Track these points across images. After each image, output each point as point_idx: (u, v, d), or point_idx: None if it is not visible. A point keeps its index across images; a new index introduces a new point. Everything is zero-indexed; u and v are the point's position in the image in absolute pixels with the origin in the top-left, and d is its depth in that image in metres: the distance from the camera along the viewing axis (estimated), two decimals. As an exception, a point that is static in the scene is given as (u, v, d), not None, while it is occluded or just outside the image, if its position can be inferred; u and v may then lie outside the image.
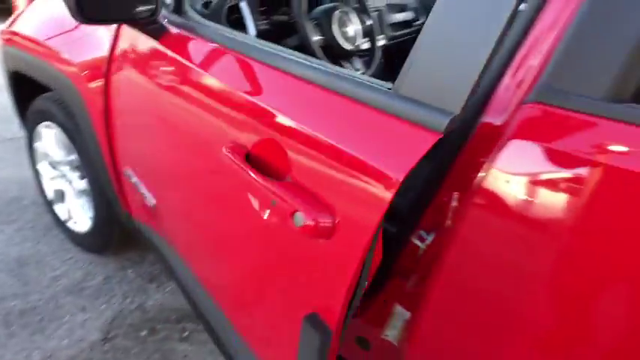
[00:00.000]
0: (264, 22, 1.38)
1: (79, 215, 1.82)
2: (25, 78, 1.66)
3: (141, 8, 0.94)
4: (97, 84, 1.28)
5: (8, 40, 1.71)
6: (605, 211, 0.52)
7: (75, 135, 1.56)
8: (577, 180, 0.53)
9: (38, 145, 1.86)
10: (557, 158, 0.57)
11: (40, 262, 1.85)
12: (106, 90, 1.27)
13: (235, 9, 1.28)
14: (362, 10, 1.48)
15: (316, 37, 1.30)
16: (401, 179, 0.55)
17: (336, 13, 1.34)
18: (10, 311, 1.61)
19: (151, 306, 1.70)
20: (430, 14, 0.58)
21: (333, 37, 1.32)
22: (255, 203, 0.74)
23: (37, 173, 1.96)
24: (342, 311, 0.64)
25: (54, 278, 1.77)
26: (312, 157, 0.66)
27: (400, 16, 1.97)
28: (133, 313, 1.66)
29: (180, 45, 1.01)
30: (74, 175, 1.76)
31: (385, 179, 0.57)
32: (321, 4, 1.48)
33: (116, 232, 1.73)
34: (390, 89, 0.62)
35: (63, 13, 1.09)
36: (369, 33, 1.49)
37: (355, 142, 0.62)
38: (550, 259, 0.56)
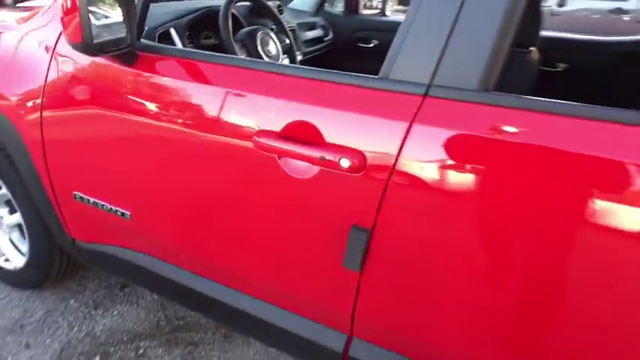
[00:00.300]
0: (192, 45, 1.50)
1: (11, 252, 1.77)
2: None
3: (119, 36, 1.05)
4: (34, 116, 1.31)
5: None
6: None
7: (4, 170, 1.55)
8: (472, 157, 0.80)
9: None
10: (456, 140, 0.82)
11: (-32, 307, 1.76)
12: (42, 121, 1.31)
13: (166, 35, 1.39)
14: (280, 31, 1.67)
15: (243, 57, 1.45)
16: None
17: (259, 34, 1.51)
18: (-55, 360, 1.53)
19: (100, 331, 1.70)
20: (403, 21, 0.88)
21: (259, 56, 1.48)
22: (300, 167, 0.96)
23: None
24: (376, 216, 0.90)
25: (-12, 320, 1.70)
26: (334, 126, 0.94)
27: (311, 34, 2.19)
28: (83, 341, 1.66)
29: (152, 65, 1.13)
30: (3, 211, 1.71)
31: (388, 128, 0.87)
32: (241, 28, 1.64)
33: (56, 263, 1.71)
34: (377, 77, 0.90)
35: None
36: (288, 50, 1.67)
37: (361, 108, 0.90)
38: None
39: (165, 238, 1.28)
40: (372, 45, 2.34)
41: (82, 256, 1.53)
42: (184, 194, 1.16)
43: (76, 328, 1.71)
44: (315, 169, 0.94)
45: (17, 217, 1.67)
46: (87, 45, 1.00)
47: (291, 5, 2.32)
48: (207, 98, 1.08)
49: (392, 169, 0.88)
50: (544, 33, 2.02)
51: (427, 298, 0.96)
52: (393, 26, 2.36)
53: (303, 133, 0.95)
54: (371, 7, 2.53)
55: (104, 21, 0.99)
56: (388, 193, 0.89)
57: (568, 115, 0.78)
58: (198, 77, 1.12)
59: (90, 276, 1.96)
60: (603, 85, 1.91)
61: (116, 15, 1.01)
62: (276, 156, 0.98)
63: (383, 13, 2.59)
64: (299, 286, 1.10)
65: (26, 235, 1.67)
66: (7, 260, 1.80)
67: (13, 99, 1.35)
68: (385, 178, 0.88)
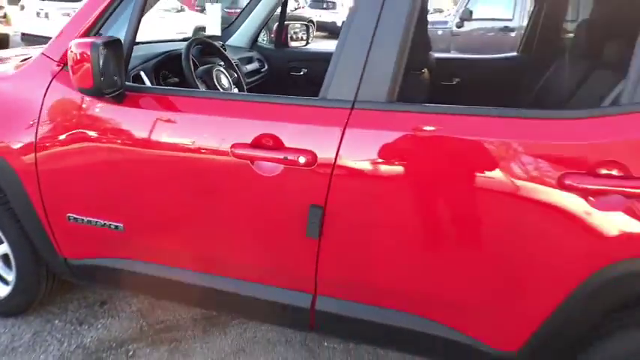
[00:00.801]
0: (159, 84, 1.81)
1: (-6, 282, 1.91)
2: None
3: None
4: (29, 155, 1.54)
5: None
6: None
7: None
8: (385, 148, 1.18)
9: None
10: (374, 137, 1.21)
11: (-45, 340, 1.86)
12: (37, 158, 1.54)
13: (137, 76, 1.68)
14: (229, 66, 2.02)
15: (209, 90, 1.78)
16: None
17: (214, 71, 1.85)
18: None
19: (89, 342, 1.89)
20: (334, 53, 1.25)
21: (216, 89, 1.81)
22: (269, 167, 1.31)
23: None
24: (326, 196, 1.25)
25: (-21, 347, 1.83)
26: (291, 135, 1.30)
27: (250, 67, 2.56)
28: (75, 353, 1.84)
29: (137, 102, 1.43)
30: (-14, 245, 1.86)
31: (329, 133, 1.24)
32: (195, 66, 1.97)
33: (42, 287, 1.88)
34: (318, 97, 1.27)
35: None
36: (237, 82, 2.02)
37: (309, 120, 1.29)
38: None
39: (157, 242, 1.56)
40: (302, 73, 2.75)
41: (73, 273, 1.74)
42: (174, 202, 1.46)
43: (65, 344, 1.88)
44: (280, 167, 1.29)
45: (3, 248, 1.83)
46: (98, 89, 1.28)
47: (229, 42, 2.67)
48: (186, 124, 1.40)
49: (334, 162, 1.25)
50: (442, 55, 2.54)
51: (369, 255, 1.34)
52: (319, 56, 2.81)
53: (267, 142, 1.30)
54: (297, 39, 2.95)
55: (104, 69, 1.28)
56: (333, 179, 1.26)
57: (447, 114, 1.21)
58: (177, 108, 1.43)
59: (68, 298, 2.12)
60: (486, 91, 2.45)
61: (112, 63, 1.31)
62: (249, 161, 1.32)
63: (307, 43, 3.03)
64: (273, 260, 1.44)
65: (13, 264, 1.83)
66: (-10, 291, 1.93)
67: (9, 143, 1.56)
68: (330, 169, 1.26)
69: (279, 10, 2.74)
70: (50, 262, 1.75)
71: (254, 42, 2.77)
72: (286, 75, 2.74)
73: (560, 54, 2.10)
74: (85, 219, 1.58)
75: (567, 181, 1.11)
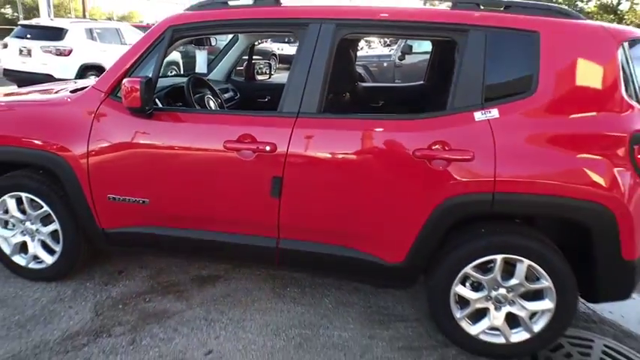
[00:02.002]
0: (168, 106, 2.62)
1: (43, 254, 2.60)
2: None
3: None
4: (84, 158, 2.29)
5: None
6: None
7: (48, 194, 2.45)
8: (308, 139, 2.06)
9: (-5, 215, 2.58)
10: (304, 133, 2.07)
11: (14, 298, 2.53)
12: (88, 157, 2.30)
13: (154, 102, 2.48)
14: (214, 95, 2.85)
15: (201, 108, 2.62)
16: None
17: (206, 98, 2.68)
18: (19, 321, 2.33)
19: (115, 294, 2.60)
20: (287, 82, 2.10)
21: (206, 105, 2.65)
22: (247, 154, 2.12)
23: (-10, 238, 2.63)
24: (283, 170, 2.06)
25: (35, 300, 2.51)
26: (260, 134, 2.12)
27: (227, 95, 3.40)
28: (106, 301, 2.54)
29: (160, 117, 2.23)
30: (39, 226, 2.56)
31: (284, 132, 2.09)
32: (193, 95, 2.78)
33: (80, 255, 2.59)
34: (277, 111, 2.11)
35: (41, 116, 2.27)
36: (220, 106, 2.85)
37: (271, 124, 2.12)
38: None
39: (171, 211, 2.32)
40: (266, 99, 3.60)
41: (108, 239, 2.47)
42: (184, 181, 2.23)
43: (98, 296, 2.58)
44: (255, 154, 2.11)
45: (52, 227, 2.53)
46: (142, 109, 2.08)
47: (210, 77, 3.50)
48: (192, 130, 2.21)
49: (287, 149, 2.09)
50: (367, 84, 3.47)
51: (310, 207, 2.16)
52: (279, 87, 3.68)
53: (246, 139, 2.12)
54: (262, 74, 3.81)
55: (145, 96, 2.09)
56: (287, 160, 2.09)
57: (348, 118, 2.08)
58: (186, 120, 2.24)
59: (93, 269, 2.81)
60: (401, 108, 3.37)
61: (148, 93, 2.11)
62: (235, 152, 2.13)
63: (270, 77, 3.91)
64: (250, 215, 2.23)
65: (60, 237, 2.53)
66: (39, 262, 2.62)
67: (69, 147, 2.32)
68: (285, 154, 2.09)
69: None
70: (91, 232, 2.47)
71: (229, 77, 3.62)
72: (254, 101, 3.59)
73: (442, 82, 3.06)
74: (121, 197, 2.34)
75: (416, 152, 1.98)
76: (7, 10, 34.95)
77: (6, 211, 2.58)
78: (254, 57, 3.69)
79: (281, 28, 2.27)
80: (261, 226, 2.25)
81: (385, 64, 8.67)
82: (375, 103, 3.54)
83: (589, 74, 1.99)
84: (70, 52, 8.15)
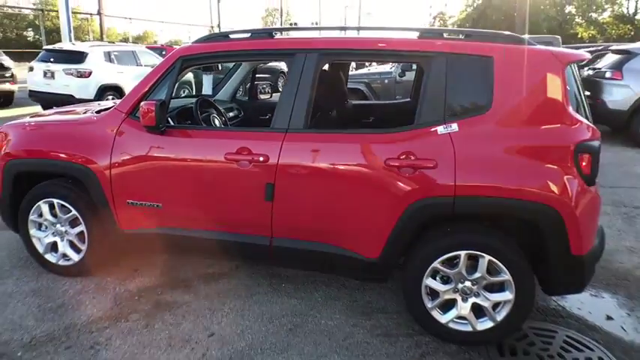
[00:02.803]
0: (179, 124, 3.01)
1: (71, 252, 2.99)
2: (22, 177, 2.90)
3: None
4: (107, 169, 2.69)
5: (10, 155, 2.92)
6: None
7: (76, 200, 2.85)
8: (298, 153, 2.42)
9: (32, 218, 2.99)
10: (294, 146, 2.43)
11: (47, 289, 2.92)
12: (111, 168, 2.70)
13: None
14: (220, 114, 3.24)
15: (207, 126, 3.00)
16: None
17: (211, 117, 3.07)
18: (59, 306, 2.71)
19: (132, 288, 2.96)
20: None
21: (212, 123, 3.03)
22: (244, 164, 2.49)
23: (27, 238, 3.04)
24: (275, 178, 2.42)
25: (64, 291, 2.89)
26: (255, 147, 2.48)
27: (231, 114, 3.79)
28: (124, 293, 2.90)
29: (172, 134, 2.61)
30: (67, 227, 2.96)
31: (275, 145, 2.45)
32: (200, 114, 3.17)
33: (105, 252, 2.97)
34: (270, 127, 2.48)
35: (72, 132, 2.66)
36: (224, 123, 3.24)
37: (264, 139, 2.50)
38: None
39: (181, 214, 2.69)
40: (267, 117, 3.97)
41: (126, 239, 2.85)
42: (191, 188, 2.60)
43: (117, 289, 2.95)
44: (250, 164, 2.46)
45: (79, 229, 2.93)
46: (157, 127, 2.47)
47: (216, 97, 3.90)
48: (198, 144, 2.58)
49: (278, 160, 2.44)
50: (358, 102, 3.82)
51: (299, 209, 2.50)
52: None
53: (243, 151, 2.48)
54: (265, 93, 4.20)
55: (159, 116, 2.48)
56: (278, 169, 2.44)
57: (331, 133, 2.42)
58: (193, 136, 2.62)
59: (111, 269, 3.17)
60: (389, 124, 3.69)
61: (161, 113, 2.50)
62: (235, 162, 2.49)
63: (271, 96, 4.31)
64: (247, 217, 2.57)
65: (86, 238, 2.92)
66: (67, 259, 3.01)
67: (95, 159, 2.72)
68: (276, 163, 2.44)
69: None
70: (113, 233, 2.85)
71: (233, 96, 4.02)
72: (257, 119, 3.97)
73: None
74: (139, 202, 2.72)
75: (388, 162, 2.31)
76: (30, 33, 36.74)
77: (40, 215, 2.99)
78: (263, 75, 4.08)
79: (274, 57, 2.65)
80: (258, 226, 2.59)
81: (386, 81, 9.05)
82: (365, 119, 3.88)
83: (538, 92, 2.29)
84: (89, 73, 8.79)
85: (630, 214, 4.47)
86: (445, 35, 2.44)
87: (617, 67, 7.45)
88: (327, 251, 2.53)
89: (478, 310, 2.42)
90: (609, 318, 2.80)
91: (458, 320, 2.46)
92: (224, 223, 2.65)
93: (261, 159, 2.45)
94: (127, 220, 2.80)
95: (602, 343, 2.53)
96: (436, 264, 2.39)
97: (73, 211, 2.90)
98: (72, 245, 3.00)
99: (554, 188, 2.20)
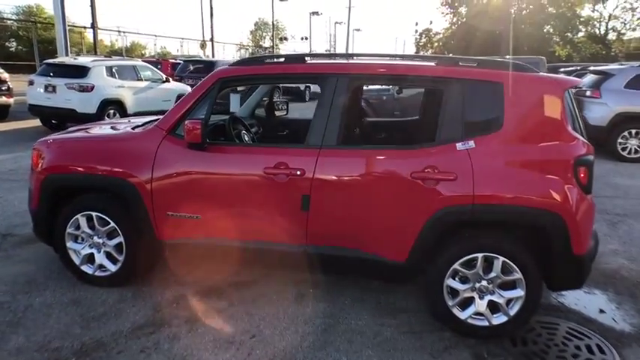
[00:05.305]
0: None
1: (107, 264, 3.15)
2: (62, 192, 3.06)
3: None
4: (148, 183, 2.89)
5: (48, 170, 3.08)
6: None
7: (115, 213, 3.02)
8: (333, 167, 2.70)
9: (69, 230, 3.14)
10: (330, 161, 2.70)
11: (86, 299, 3.06)
12: (152, 181, 2.89)
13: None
14: (247, 130, 3.48)
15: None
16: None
17: (242, 133, 3.32)
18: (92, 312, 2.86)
19: (169, 295, 3.14)
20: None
21: (242, 141, 3.27)
22: (282, 178, 2.74)
23: (64, 250, 3.18)
24: (310, 189, 2.70)
25: (103, 301, 3.04)
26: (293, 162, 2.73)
27: (253, 130, 4.03)
28: (160, 300, 3.07)
29: (211, 149, 2.83)
30: (105, 239, 3.12)
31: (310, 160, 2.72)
32: (232, 130, 3.40)
33: (142, 262, 3.14)
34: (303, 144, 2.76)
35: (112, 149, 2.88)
36: (252, 139, 3.48)
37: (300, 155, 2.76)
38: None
39: (219, 224, 2.90)
40: (285, 133, 4.23)
41: (165, 248, 3.03)
42: (230, 201, 2.82)
43: (154, 297, 3.11)
44: (287, 177, 2.71)
45: (117, 240, 3.09)
46: (202, 144, 2.69)
47: (237, 114, 4.14)
48: (239, 160, 2.82)
49: (313, 174, 2.69)
50: (373, 119, 4.13)
51: (333, 218, 2.75)
52: (295, 121, 4.32)
53: (281, 165, 2.73)
54: (280, 110, 4.47)
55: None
56: (313, 182, 2.70)
57: (359, 149, 2.71)
58: (235, 152, 2.85)
59: (145, 278, 3.35)
60: (401, 140, 3.99)
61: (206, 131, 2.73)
62: (272, 175, 2.73)
63: (287, 113, 4.58)
64: (285, 226, 2.81)
65: (124, 250, 3.09)
66: (103, 270, 3.16)
67: (137, 174, 2.91)
68: (311, 177, 2.69)
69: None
70: (151, 243, 3.03)
71: (253, 113, 4.27)
72: (275, 134, 4.22)
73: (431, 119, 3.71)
74: (178, 214, 2.92)
75: (413, 174, 2.60)
76: (12, 44, 35.88)
77: (77, 228, 3.14)
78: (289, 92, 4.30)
79: (307, 80, 2.92)
80: (293, 235, 2.83)
81: (384, 98, 9.44)
82: (378, 135, 4.18)
83: (541, 114, 2.63)
84: (92, 88, 8.84)
85: (613, 220, 4.93)
86: (460, 63, 2.76)
87: (596, 86, 8.06)
88: (358, 256, 2.78)
89: (493, 307, 2.72)
90: (602, 311, 3.15)
91: (475, 316, 2.75)
92: (260, 232, 2.88)
93: (299, 172, 2.70)
94: (165, 230, 2.99)
95: (598, 333, 2.86)
96: (456, 265, 2.68)
97: (112, 224, 3.06)
98: (109, 256, 3.16)
99: (558, 197, 2.53)
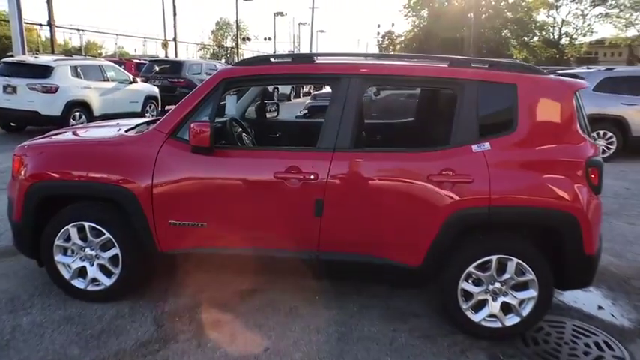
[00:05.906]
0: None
1: (101, 277, 2.93)
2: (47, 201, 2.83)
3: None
4: (147, 187, 2.71)
5: (34, 178, 2.83)
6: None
7: (110, 223, 2.82)
8: (345, 169, 2.64)
9: (58, 242, 2.90)
10: (343, 164, 2.62)
11: (79, 316, 2.84)
12: (153, 187, 2.72)
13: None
14: (246, 132, 3.35)
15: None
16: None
17: (242, 136, 3.18)
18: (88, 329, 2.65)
19: (168, 308, 2.96)
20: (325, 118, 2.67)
21: (242, 144, 3.14)
22: (294, 182, 2.64)
23: (52, 264, 2.93)
24: (324, 194, 2.62)
25: (99, 317, 2.83)
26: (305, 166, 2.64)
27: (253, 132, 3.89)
28: (162, 315, 2.90)
29: (218, 153, 2.68)
30: (99, 251, 2.90)
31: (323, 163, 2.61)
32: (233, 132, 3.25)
33: (141, 274, 2.95)
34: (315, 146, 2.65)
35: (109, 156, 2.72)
36: (252, 142, 3.35)
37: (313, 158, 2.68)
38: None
39: (227, 232, 2.76)
40: (277, 135, 4.12)
41: (165, 259, 2.85)
42: (239, 206, 2.69)
43: (154, 311, 2.93)
44: (300, 182, 2.61)
45: (112, 252, 2.88)
46: (210, 148, 2.55)
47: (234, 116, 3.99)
48: (247, 164, 2.69)
49: (327, 178, 2.61)
50: (370, 121, 4.06)
51: (346, 224, 2.68)
52: (286, 124, 4.20)
53: (293, 170, 2.63)
54: (271, 112, 4.35)
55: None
56: (327, 186, 2.61)
57: (371, 152, 2.65)
58: (243, 156, 2.72)
59: (142, 290, 3.14)
60: (397, 142, 3.96)
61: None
62: (284, 180, 2.63)
63: (277, 115, 4.46)
64: (297, 232, 2.71)
65: (120, 262, 2.88)
66: (97, 284, 2.94)
67: (136, 181, 2.72)
68: (325, 181, 2.61)
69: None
70: (151, 254, 2.85)
71: (243, 115, 4.12)
72: (267, 136, 4.10)
73: (431, 121, 3.71)
74: (182, 222, 2.76)
75: (429, 177, 2.56)
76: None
77: (67, 239, 2.91)
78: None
79: (316, 80, 2.82)
80: (305, 241, 2.73)
81: (362, 99, 9.40)
82: (373, 137, 4.13)
83: (553, 115, 2.66)
84: (56, 89, 8.33)
85: (594, 217, 5.09)
86: (473, 65, 2.75)
87: None
88: (372, 261, 2.72)
89: (505, 308, 2.72)
90: (600, 308, 3.24)
91: (488, 318, 2.74)
92: (269, 239, 2.76)
93: (312, 177, 2.61)
94: (168, 240, 2.82)
95: (602, 328, 2.93)
96: (471, 268, 2.67)
97: (107, 234, 2.85)
98: (102, 269, 2.95)
99: (572, 198, 2.57)
